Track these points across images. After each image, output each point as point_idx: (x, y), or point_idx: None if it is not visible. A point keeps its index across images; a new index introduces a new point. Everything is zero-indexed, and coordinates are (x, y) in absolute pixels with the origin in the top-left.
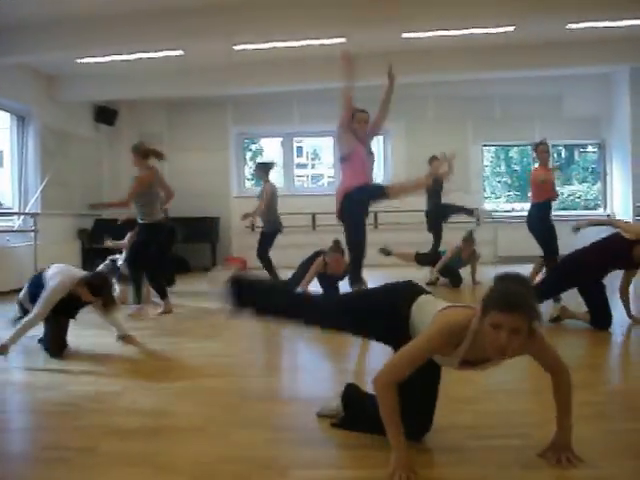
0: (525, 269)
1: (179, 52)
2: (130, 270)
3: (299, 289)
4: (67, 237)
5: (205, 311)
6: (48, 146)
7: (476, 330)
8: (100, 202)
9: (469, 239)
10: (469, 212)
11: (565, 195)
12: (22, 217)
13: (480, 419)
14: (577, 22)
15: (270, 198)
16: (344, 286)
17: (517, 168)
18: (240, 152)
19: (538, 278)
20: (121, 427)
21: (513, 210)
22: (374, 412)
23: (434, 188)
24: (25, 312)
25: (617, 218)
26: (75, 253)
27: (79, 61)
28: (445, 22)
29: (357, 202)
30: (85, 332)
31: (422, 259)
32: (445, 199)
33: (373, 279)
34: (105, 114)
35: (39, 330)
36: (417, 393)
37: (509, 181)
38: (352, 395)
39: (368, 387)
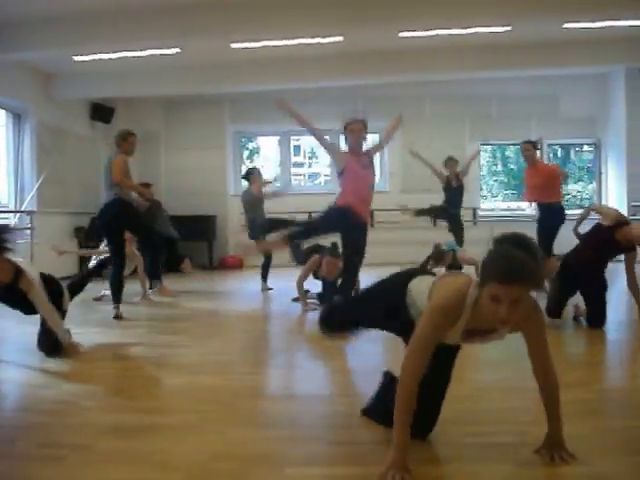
0: None
1: (176, 50)
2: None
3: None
4: (63, 235)
5: (201, 310)
6: (44, 144)
7: (474, 301)
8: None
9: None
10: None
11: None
12: (18, 215)
13: (475, 416)
14: (573, 22)
15: (246, 204)
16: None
17: (514, 167)
18: (237, 150)
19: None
20: (117, 425)
21: (509, 209)
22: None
23: (450, 188)
24: None
25: (592, 206)
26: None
27: (75, 58)
28: (442, 22)
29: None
30: (80, 330)
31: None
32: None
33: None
34: (102, 112)
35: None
36: (427, 392)
37: (506, 180)
38: (387, 384)
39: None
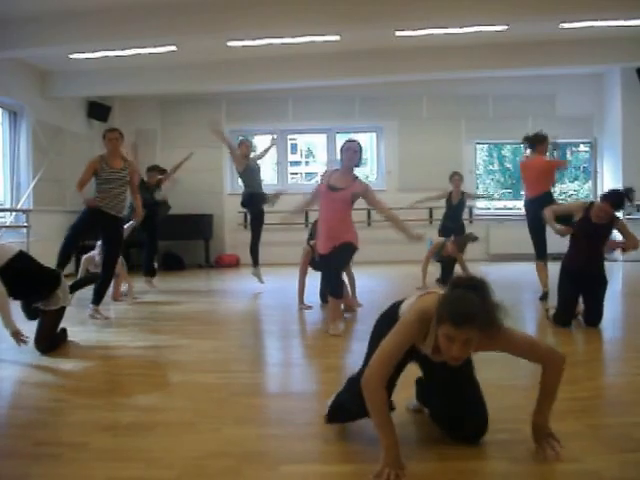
0: (517, 267)
1: (172, 48)
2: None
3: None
4: (59, 233)
5: (197, 308)
6: (40, 142)
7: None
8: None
9: (465, 239)
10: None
11: (557, 193)
12: (14, 213)
13: None
14: (570, 22)
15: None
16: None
17: (510, 166)
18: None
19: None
20: (112, 423)
21: (505, 208)
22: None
23: (450, 203)
24: None
25: (549, 211)
26: None
27: (72, 56)
28: (439, 21)
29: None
30: (76, 329)
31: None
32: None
33: (370, 276)
34: (98, 110)
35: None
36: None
37: (502, 179)
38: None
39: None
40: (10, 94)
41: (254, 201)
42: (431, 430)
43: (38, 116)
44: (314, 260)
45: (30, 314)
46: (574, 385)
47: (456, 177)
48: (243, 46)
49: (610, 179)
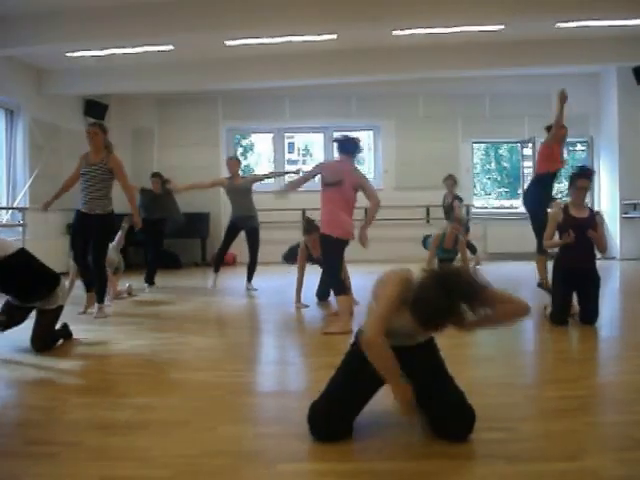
0: (515, 265)
1: (170, 47)
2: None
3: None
4: (56, 232)
5: (193, 306)
6: (37, 140)
7: None
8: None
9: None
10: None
11: (554, 192)
12: (10, 211)
13: None
14: (566, 21)
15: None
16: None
17: (507, 165)
18: (231, 147)
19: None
20: (108, 421)
21: (502, 207)
22: None
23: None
24: None
25: (548, 242)
26: (64, 248)
27: (69, 55)
28: (435, 20)
29: None
30: (72, 327)
31: None
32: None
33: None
34: (95, 108)
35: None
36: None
37: (499, 178)
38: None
39: None
40: (6, 92)
41: (239, 225)
42: (426, 428)
43: (34, 114)
44: (311, 256)
45: (7, 316)
46: (571, 383)
47: (449, 181)
48: (240, 45)
49: (607, 178)
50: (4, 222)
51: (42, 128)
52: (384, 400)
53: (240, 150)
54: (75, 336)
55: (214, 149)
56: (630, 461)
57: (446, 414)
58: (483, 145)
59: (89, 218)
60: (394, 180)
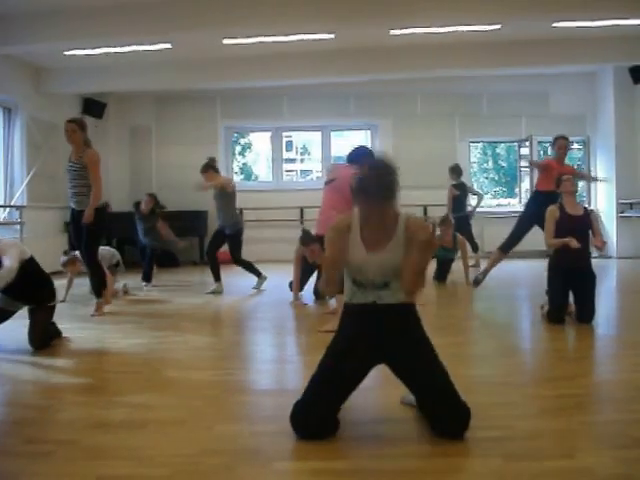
0: (512, 264)
1: (168, 45)
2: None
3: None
4: (54, 230)
5: (190, 305)
6: (34, 138)
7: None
8: None
9: (445, 221)
10: None
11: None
12: (7, 210)
13: None
14: (563, 21)
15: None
16: None
17: (504, 164)
18: (229, 146)
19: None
20: (105, 420)
21: (500, 206)
22: None
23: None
24: None
25: (550, 242)
26: (61, 246)
27: (66, 53)
28: (433, 20)
29: None
30: (69, 325)
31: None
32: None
33: None
34: (93, 107)
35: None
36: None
37: (496, 177)
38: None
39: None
40: (4, 90)
41: (224, 233)
42: (423, 426)
43: (32, 112)
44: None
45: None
46: (568, 382)
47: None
48: (238, 44)
49: (603, 177)
50: (2, 220)
51: (40, 126)
52: (383, 399)
53: (238, 149)
54: (73, 334)
55: (212, 147)
56: (627, 459)
57: (442, 412)
58: (480, 144)
59: (80, 214)
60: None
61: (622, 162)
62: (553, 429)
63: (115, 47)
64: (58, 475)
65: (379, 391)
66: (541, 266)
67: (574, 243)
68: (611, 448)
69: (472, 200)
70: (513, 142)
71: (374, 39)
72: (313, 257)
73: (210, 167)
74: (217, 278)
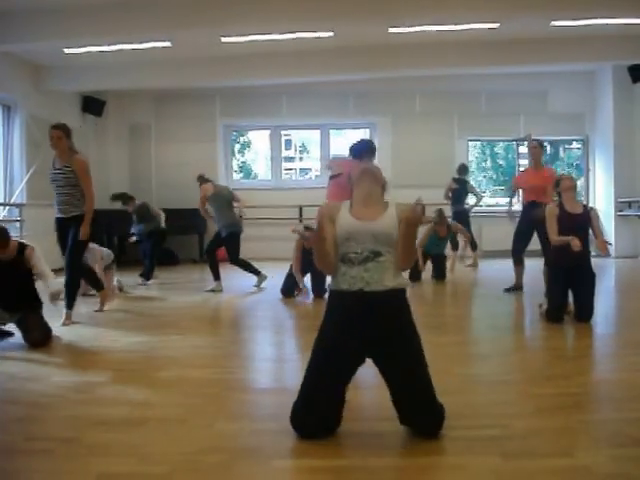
0: (510, 263)
1: (167, 43)
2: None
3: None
4: (53, 228)
5: (190, 303)
6: (34, 136)
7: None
8: None
9: (440, 217)
10: None
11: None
12: (7, 208)
13: (461, 409)
14: (561, 20)
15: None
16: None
17: (502, 163)
18: (228, 144)
19: None
20: (105, 418)
21: (498, 205)
22: None
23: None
24: None
25: (554, 240)
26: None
27: (66, 51)
28: (431, 18)
29: None
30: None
31: None
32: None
33: None
34: (93, 105)
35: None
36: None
37: (494, 176)
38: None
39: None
40: (4, 88)
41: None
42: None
43: (32, 110)
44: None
45: None
46: (566, 380)
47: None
48: (237, 42)
49: (602, 176)
50: (1, 218)
51: (39, 124)
52: (383, 398)
53: (237, 147)
54: (73, 333)
55: (211, 146)
56: (623, 458)
57: (415, 412)
58: (479, 143)
59: (66, 221)
60: (390, 178)
61: (621, 161)
62: (551, 428)
63: (114, 45)
64: (58, 472)
65: (379, 389)
66: (540, 265)
67: (576, 243)
68: (609, 447)
69: (470, 200)
70: (512, 141)
71: (373, 37)
72: (309, 243)
73: (200, 179)
74: (216, 277)
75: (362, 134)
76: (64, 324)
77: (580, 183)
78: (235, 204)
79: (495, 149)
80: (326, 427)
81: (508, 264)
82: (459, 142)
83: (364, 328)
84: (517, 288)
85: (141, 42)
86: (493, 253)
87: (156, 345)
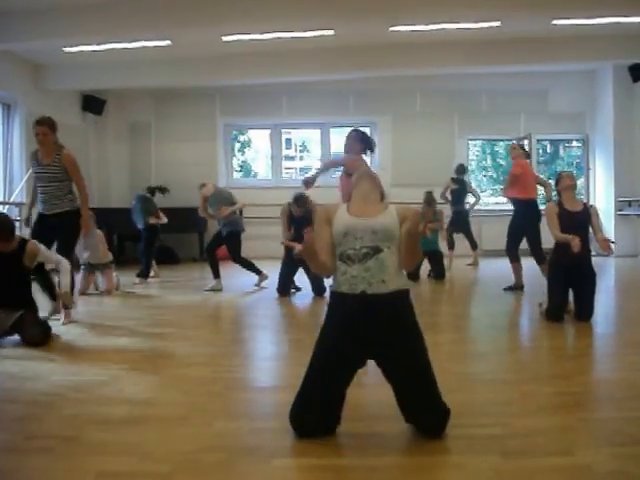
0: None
1: (167, 42)
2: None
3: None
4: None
5: (191, 301)
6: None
7: (351, 199)
8: None
9: (429, 198)
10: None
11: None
12: (7, 207)
13: (461, 408)
14: (562, 19)
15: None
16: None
17: (503, 162)
18: (228, 143)
19: None
20: (105, 416)
21: (498, 204)
22: None
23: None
24: None
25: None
26: None
27: (66, 50)
28: (432, 17)
29: None
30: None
31: None
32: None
33: None
34: (93, 103)
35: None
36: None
37: (494, 175)
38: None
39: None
40: (3, 86)
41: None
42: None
43: (32, 109)
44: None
45: None
46: (566, 380)
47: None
48: (237, 40)
49: (602, 175)
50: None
51: None
52: (383, 396)
53: (237, 146)
54: (73, 332)
55: (211, 144)
56: (623, 456)
57: (419, 411)
58: (479, 142)
59: (52, 218)
60: (390, 176)
61: (621, 160)
62: (551, 426)
63: (115, 44)
64: (58, 471)
65: (378, 388)
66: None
67: (576, 243)
68: (609, 445)
69: (470, 199)
70: (512, 140)
71: (374, 36)
72: (299, 211)
73: (201, 187)
74: (216, 275)
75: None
76: (64, 323)
77: (580, 182)
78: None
79: (495, 148)
80: (325, 427)
81: (508, 262)
82: (459, 141)
83: (366, 331)
84: (517, 287)
85: (141, 41)
86: (494, 252)
87: (156, 344)
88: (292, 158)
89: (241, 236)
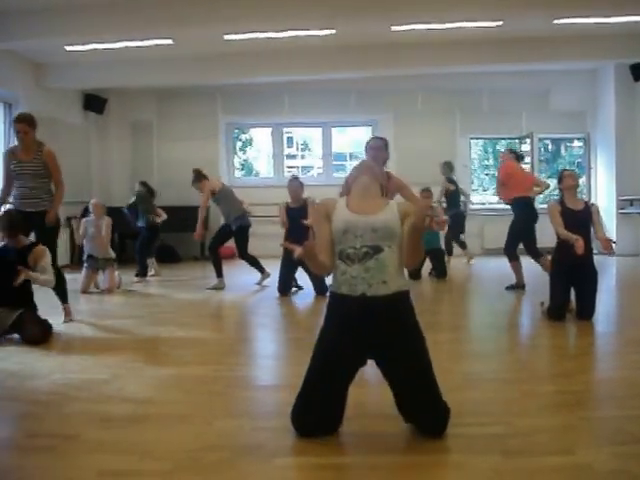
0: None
1: (169, 41)
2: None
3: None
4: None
5: (192, 300)
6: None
7: (350, 195)
8: None
9: (428, 190)
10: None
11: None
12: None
13: (461, 407)
14: (564, 18)
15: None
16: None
17: None
18: (230, 142)
19: None
20: (106, 415)
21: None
22: None
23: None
24: None
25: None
26: (64, 241)
27: (68, 48)
28: (434, 16)
29: None
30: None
31: None
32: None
33: None
34: (94, 102)
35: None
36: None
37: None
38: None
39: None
40: (5, 85)
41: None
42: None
43: (33, 107)
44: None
45: None
46: (567, 378)
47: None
48: (239, 39)
49: (604, 174)
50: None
51: (41, 122)
52: (381, 397)
53: (239, 144)
54: (73, 331)
55: (213, 143)
56: (625, 455)
57: (419, 411)
58: (481, 141)
59: (34, 215)
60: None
61: (622, 159)
62: (552, 425)
63: (116, 42)
64: (60, 469)
65: (379, 387)
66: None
67: (580, 244)
68: (610, 444)
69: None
70: (514, 139)
71: (375, 35)
72: (294, 196)
73: (201, 176)
74: (219, 274)
75: (364, 132)
76: (65, 321)
77: (582, 181)
78: None
79: (497, 147)
80: (327, 427)
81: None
82: (461, 140)
83: (366, 333)
84: (519, 286)
85: (143, 40)
86: (496, 251)
87: (158, 342)
88: (294, 157)
89: (249, 231)
